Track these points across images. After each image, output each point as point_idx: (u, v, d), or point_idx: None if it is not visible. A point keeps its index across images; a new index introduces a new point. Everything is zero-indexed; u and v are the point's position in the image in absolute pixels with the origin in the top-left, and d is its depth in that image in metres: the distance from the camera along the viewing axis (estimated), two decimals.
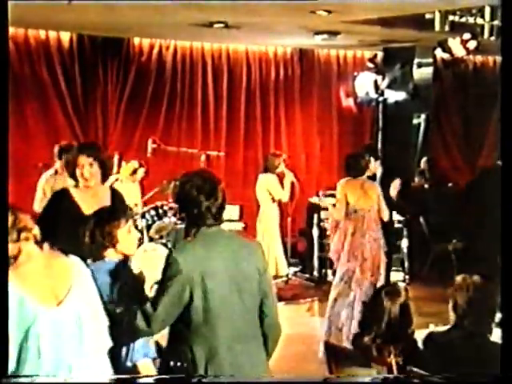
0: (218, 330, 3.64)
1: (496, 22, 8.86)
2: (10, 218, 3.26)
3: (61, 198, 5.05)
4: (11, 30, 9.46)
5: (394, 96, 11.38)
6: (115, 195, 4.94)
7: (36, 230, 3.35)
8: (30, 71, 9.89)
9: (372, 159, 7.32)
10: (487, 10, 8.82)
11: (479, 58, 12.40)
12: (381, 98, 11.54)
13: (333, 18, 8.37)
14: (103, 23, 9.07)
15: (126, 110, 10.56)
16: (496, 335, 3.93)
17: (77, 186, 5.01)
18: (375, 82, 11.42)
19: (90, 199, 4.80)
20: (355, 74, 11.71)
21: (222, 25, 9.07)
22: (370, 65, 11.50)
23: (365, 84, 11.53)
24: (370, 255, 7.08)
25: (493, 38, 8.93)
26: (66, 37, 10.09)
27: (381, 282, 6.97)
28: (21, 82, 9.73)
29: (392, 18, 8.55)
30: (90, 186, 4.94)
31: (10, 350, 3.23)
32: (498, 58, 12.04)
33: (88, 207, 4.65)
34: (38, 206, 7.99)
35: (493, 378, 2.80)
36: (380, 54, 11.49)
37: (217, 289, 3.63)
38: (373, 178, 7.45)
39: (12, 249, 3.27)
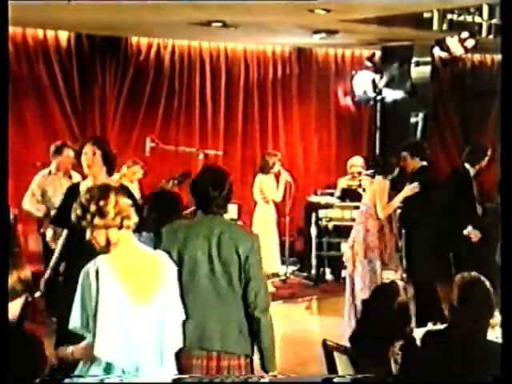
0: (188, 298, 4.01)
1: (494, 21, 8.89)
2: (115, 207, 3.49)
3: (71, 191, 5.25)
4: (9, 29, 9.45)
5: (392, 94, 11.38)
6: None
7: (135, 219, 3.59)
8: (28, 70, 9.88)
9: (407, 155, 7.24)
10: (485, 9, 8.84)
11: (477, 57, 12.40)
12: (379, 97, 11.54)
13: (331, 16, 8.37)
14: (101, 22, 9.07)
15: (124, 108, 10.56)
16: (494, 334, 3.94)
17: (85, 179, 5.23)
18: (373, 80, 11.42)
19: None
20: (353, 72, 11.71)
21: (220, 24, 9.07)
22: (368, 63, 11.50)
23: (363, 83, 11.53)
24: (352, 246, 7.26)
25: (491, 37, 8.96)
26: (64, 36, 10.09)
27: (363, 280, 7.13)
28: (19, 81, 9.71)
29: (390, 16, 8.56)
30: (96, 177, 5.10)
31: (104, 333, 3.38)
32: (496, 57, 12.04)
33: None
34: (27, 204, 7.98)
35: (493, 379, 2.80)
36: (378, 53, 11.48)
37: (190, 264, 4.11)
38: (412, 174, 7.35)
39: (113, 236, 3.51)
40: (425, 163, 7.37)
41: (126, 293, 3.47)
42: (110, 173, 5.18)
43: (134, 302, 3.49)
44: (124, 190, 4.05)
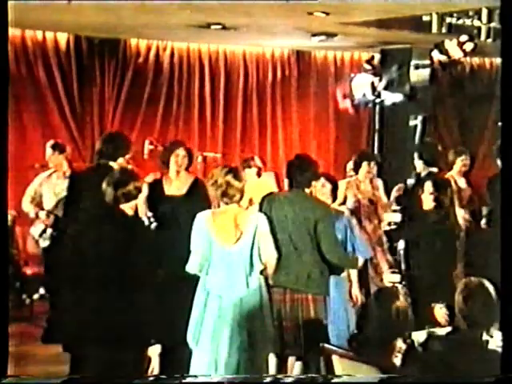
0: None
1: (493, 24, 8.88)
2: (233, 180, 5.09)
3: (157, 184, 6.46)
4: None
5: (391, 97, 11.36)
6: (196, 183, 6.45)
7: (239, 196, 5.11)
8: (26, 72, 9.88)
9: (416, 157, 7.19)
10: (484, 12, 8.83)
11: (476, 60, 12.41)
12: (378, 100, 11.52)
13: (330, 19, 8.38)
14: (100, 24, 9.06)
15: (122, 111, 10.56)
16: (495, 338, 3.93)
17: (168, 173, 6.48)
18: (372, 83, 11.41)
19: (173, 183, 6.40)
20: (352, 75, 11.69)
21: (219, 26, 9.07)
22: (367, 66, 11.49)
23: (362, 85, 11.51)
24: None
25: (490, 40, 8.95)
26: (63, 38, 10.08)
27: None
28: (18, 83, 9.71)
29: (389, 19, 8.57)
30: (179, 174, 6.44)
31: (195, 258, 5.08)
32: (495, 60, 12.05)
33: (172, 189, 6.35)
34: (27, 205, 8.02)
35: (493, 379, 2.80)
36: (377, 56, 11.48)
37: (276, 224, 5.42)
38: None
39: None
40: (432, 169, 7.12)
41: (214, 237, 4.98)
42: (187, 169, 6.60)
43: (218, 245, 4.98)
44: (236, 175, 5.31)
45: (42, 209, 7.97)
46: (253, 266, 5.08)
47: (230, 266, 5.02)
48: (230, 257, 5.02)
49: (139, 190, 4.75)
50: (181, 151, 6.53)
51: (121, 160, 6.01)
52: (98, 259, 4.50)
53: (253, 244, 5.04)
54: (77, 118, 10.27)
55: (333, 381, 4.01)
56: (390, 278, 6.96)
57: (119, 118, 10.55)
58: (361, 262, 6.09)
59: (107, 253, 4.52)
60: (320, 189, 6.11)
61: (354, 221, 6.47)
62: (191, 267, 5.14)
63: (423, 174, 7.07)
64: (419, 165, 7.09)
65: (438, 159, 7.13)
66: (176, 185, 6.41)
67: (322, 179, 6.14)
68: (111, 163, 5.92)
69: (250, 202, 9.53)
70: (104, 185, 4.68)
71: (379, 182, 7.91)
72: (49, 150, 7.99)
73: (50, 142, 8.10)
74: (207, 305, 5.07)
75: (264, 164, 9.56)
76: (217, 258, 5.04)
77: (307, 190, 5.72)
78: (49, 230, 7.89)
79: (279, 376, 5.21)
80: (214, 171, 5.15)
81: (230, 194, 5.03)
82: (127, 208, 4.65)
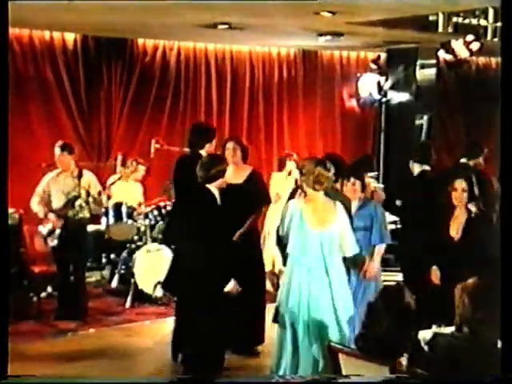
0: None
1: (499, 24, 8.87)
2: (317, 176, 5.65)
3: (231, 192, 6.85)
4: (16, 30, 9.48)
5: (397, 97, 11.40)
6: (252, 173, 7.17)
7: (327, 185, 5.71)
8: (34, 72, 9.90)
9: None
10: (490, 12, 8.83)
11: (482, 60, 12.41)
12: (384, 99, 11.56)
13: (336, 19, 8.38)
14: (107, 24, 9.09)
15: (129, 110, 10.58)
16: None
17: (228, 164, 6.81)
18: (378, 83, 11.44)
19: (233, 173, 6.75)
20: (358, 75, 11.73)
21: (225, 26, 9.08)
22: (373, 66, 11.52)
23: (368, 85, 11.55)
24: None
25: (496, 40, 8.95)
26: (70, 37, 10.11)
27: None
28: (25, 83, 9.75)
29: (395, 19, 8.56)
30: (237, 165, 7.07)
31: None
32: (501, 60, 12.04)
33: (231, 178, 6.57)
34: (36, 205, 8.06)
35: (493, 379, 2.81)
36: (383, 55, 11.50)
37: None
38: None
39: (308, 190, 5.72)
40: (426, 167, 7.23)
41: (310, 223, 5.62)
42: (244, 161, 7.23)
43: (310, 228, 5.62)
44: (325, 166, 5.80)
45: (51, 208, 8.01)
46: (336, 249, 5.67)
47: (317, 248, 5.62)
48: (317, 239, 5.62)
49: (222, 173, 5.91)
50: (230, 145, 7.23)
51: (207, 146, 6.99)
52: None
53: (337, 230, 5.66)
54: (84, 117, 10.30)
55: (340, 381, 4.02)
56: None
57: (126, 117, 10.57)
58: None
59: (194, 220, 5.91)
60: (350, 187, 6.51)
61: (380, 209, 6.65)
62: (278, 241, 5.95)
63: (416, 173, 7.23)
64: (414, 164, 7.27)
65: (430, 159, 7.34)
66: (235, 175, 6.90)
67: (352, 178, 6.52)
68: (200, 151, 6.89)
69: (277, 195, 9.58)
70: (197, 168, 5.91)
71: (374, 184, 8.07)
72: (57, 150, 8.01)
73: (59, 143, 8.11)
74: (293, 274, 5.70)
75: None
76: (306, 239, 5.65)
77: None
78: (57, 230, 7.94)
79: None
80: (305, 163, 5.84)
81: (321, 181, 5.62)
82: (212, 187, 5.88)
